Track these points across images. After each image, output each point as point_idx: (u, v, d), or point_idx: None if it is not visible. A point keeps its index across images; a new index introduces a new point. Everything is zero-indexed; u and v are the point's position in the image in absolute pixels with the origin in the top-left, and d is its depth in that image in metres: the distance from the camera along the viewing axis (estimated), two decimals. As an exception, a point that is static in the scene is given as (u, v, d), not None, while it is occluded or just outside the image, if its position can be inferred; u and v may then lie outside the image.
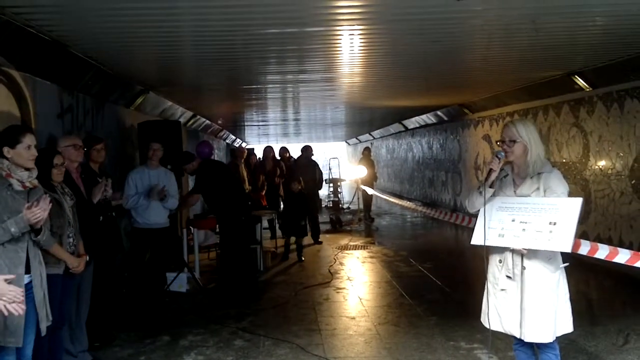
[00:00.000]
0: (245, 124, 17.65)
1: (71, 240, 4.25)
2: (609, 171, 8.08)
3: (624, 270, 6.34)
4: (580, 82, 8.18)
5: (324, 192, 22.83)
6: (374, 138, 25.17)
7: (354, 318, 6.32)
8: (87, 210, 4.82)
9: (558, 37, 5.89)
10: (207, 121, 14.45)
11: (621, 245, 7.37)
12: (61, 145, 4.88)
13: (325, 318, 6.31)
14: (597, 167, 8.39)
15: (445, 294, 7.22)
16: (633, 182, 7.57)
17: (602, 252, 5.30)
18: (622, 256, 5.21)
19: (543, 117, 9.80)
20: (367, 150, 16.40)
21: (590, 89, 8.22)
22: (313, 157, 11.76)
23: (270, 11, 4.64)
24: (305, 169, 11.05)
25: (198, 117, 13.15)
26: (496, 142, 3.82)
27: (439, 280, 7.85)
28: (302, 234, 9.93)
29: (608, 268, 7.18)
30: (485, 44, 6.32)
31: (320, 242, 11.38)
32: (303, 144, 11.77)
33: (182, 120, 11.43)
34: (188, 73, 7.77)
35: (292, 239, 10.05)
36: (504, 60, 7.17)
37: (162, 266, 6.60)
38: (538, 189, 3.56)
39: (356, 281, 8.03)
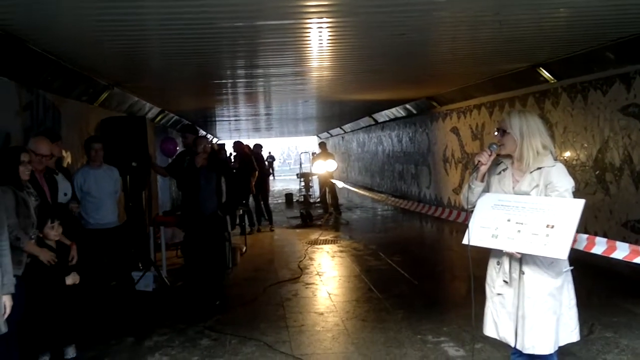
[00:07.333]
0: (216, 119, 17.48)
1: (33, 241, 4.31)
2: (574, 162, 8.17)
3: (589, 261, 6.42)
4: (545, 74, 8.25)
5: (295, 186, 22.35)
6: (345, 132, 25.18)
7: (322, 314, 6.28)
8: (49, 211, 4.75)
9: (522, 30, 5.92)
10: (176, 117, 14.26)
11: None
12: (29, 147, 4.78)
13: (293, 314, 6.26)
14: (562, 158, 8.47)
15: (412, 287, 7.23)
16: (597, 172, 7.66)
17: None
18: (599, 247, 5.24)
19: (509, 108, 9.86)
20: (322, 145, 16.27)
21: (555, 80, 8.30)
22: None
23: (238, 4, 4.57)
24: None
25: (167, 112, 12.96)
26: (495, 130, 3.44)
27: (407, 274, 7.85)
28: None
29: (574, 258, 7.26)
30: (451, 36, 6.32)
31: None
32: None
33: (149, 116, 11.25)
34: (155, 68, 7.59)
35: None
36: (470, 52, 7.19)
37: (125, 266, 6.40)
38: (537, 185, 3.24)
39: (325, 276, 8.00)
